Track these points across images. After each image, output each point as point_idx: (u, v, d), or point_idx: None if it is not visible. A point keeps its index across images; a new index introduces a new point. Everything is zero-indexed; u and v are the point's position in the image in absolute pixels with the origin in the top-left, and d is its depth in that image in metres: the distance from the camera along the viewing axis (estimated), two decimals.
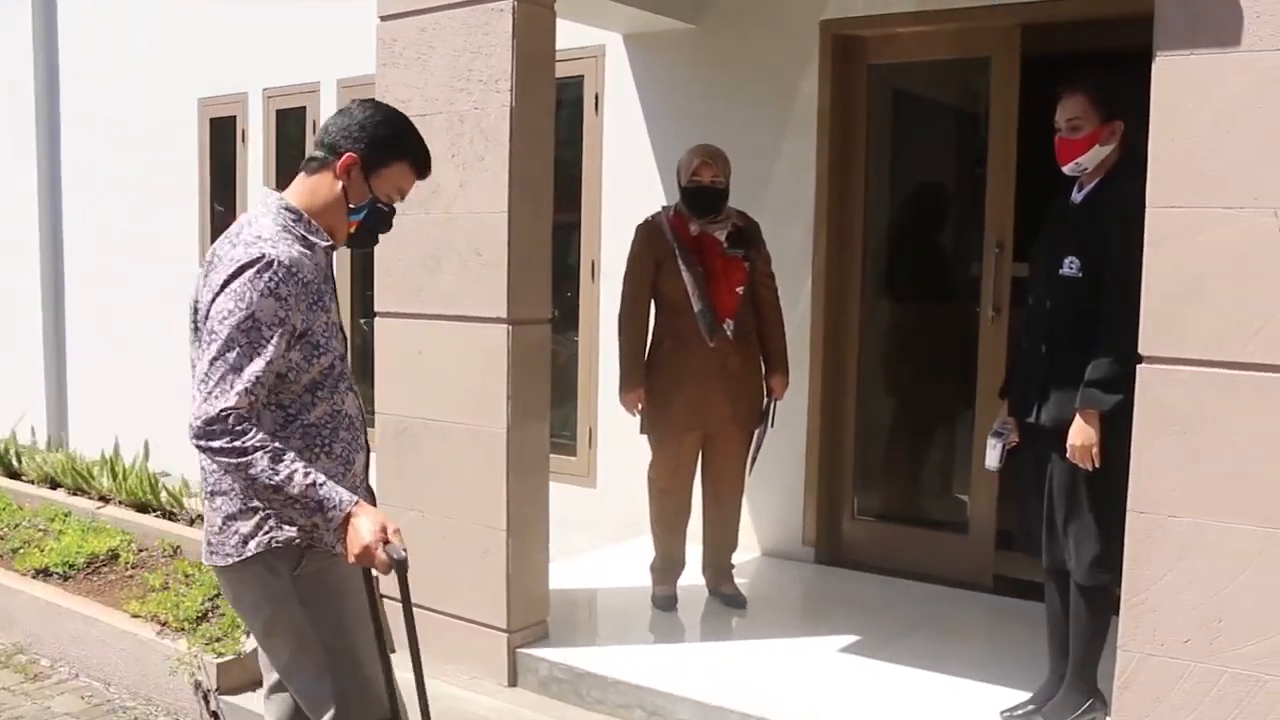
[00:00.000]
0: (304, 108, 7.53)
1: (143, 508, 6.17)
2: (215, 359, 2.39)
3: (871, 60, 5.50)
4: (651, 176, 5.86)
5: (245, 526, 2.55)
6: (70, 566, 5.45)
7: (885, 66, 5.54)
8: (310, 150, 2.74)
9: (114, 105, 8.78)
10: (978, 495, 5.34)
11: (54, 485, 6.73)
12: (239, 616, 2.75)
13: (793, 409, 5.35)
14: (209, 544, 2.62)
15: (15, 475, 7.09)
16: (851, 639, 4.56)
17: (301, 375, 2.52)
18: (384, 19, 4.53)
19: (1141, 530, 3.01)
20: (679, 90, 5.85)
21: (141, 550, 5.63)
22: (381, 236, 2.80)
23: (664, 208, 4.88)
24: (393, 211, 2.76)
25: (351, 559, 2.44)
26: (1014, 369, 4.01)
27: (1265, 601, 2.85)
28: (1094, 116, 3.53)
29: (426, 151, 2.76)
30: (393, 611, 2.71)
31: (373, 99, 2.82)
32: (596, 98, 6.11)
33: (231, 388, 2.37)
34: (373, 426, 4.06)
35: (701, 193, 4.69)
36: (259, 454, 2.37)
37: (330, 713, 2.62)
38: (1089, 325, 3.47)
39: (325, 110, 7.35)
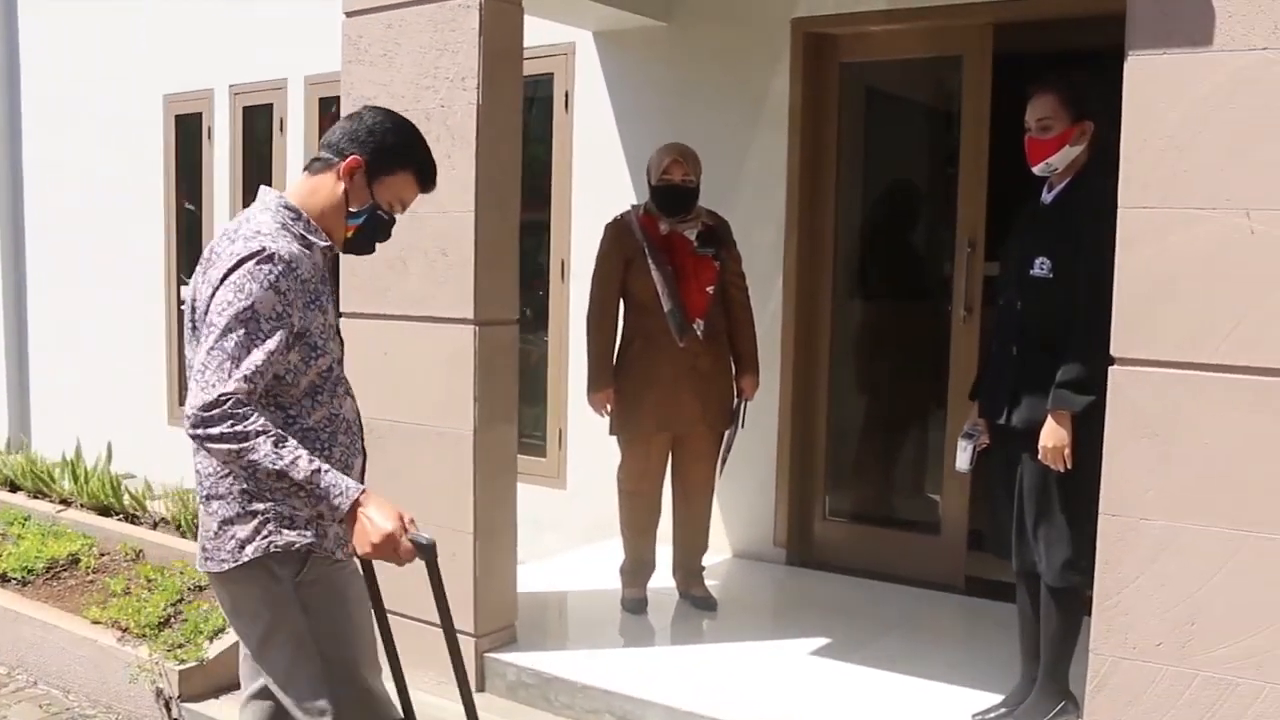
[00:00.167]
0: (271, 105, 7.45)
1: (105, 511, 6.09)
2: (212, 348, 2.32)
3: (843, 58, 5.47)
4: (622, 175, 5.82)
5: (243, 531, 2.49)
6: (29, 571, 5.36)
7: (857, 65, 5.51)
8: (315, 151, 2.70)
9: (77, 101, 8.67)
10: (949, 496, 5.32)
11: (13, 488, 6.63)
12: (235, 625, 2.65)
13: (763, 409, 5.32)
14: (204, 549, 2.55)
15: None
16: (823, 641, 4.53)
17: (300, 378, 2.46)
18: (349, 15, 4.47)
19: (1114, 533, 2.99)
20: (650, 88, 5.81)
21: (103, 554, 5.54)
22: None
23: (633, 206, 4.84)
24: (393, 221, 2.71)
25: (363, 551, 2.36)
26: (984, 370, 3.99)
27: (1238, 604, 2.83)
28: (1064, 116, 3.51)
29: (433, 165, 2.72)
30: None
31: (385, 108, 2.76)
32: (566, 96, 6.06)
33: (229, 375, 2.30)
34: None
35: (672, 191, 4.65)
36: (261, 438, 2.29)
37: None
38: (1060, 326, 3.45)
39: (293, 107, 7.28)
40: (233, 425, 2.27)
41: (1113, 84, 3.05)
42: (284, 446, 2.30)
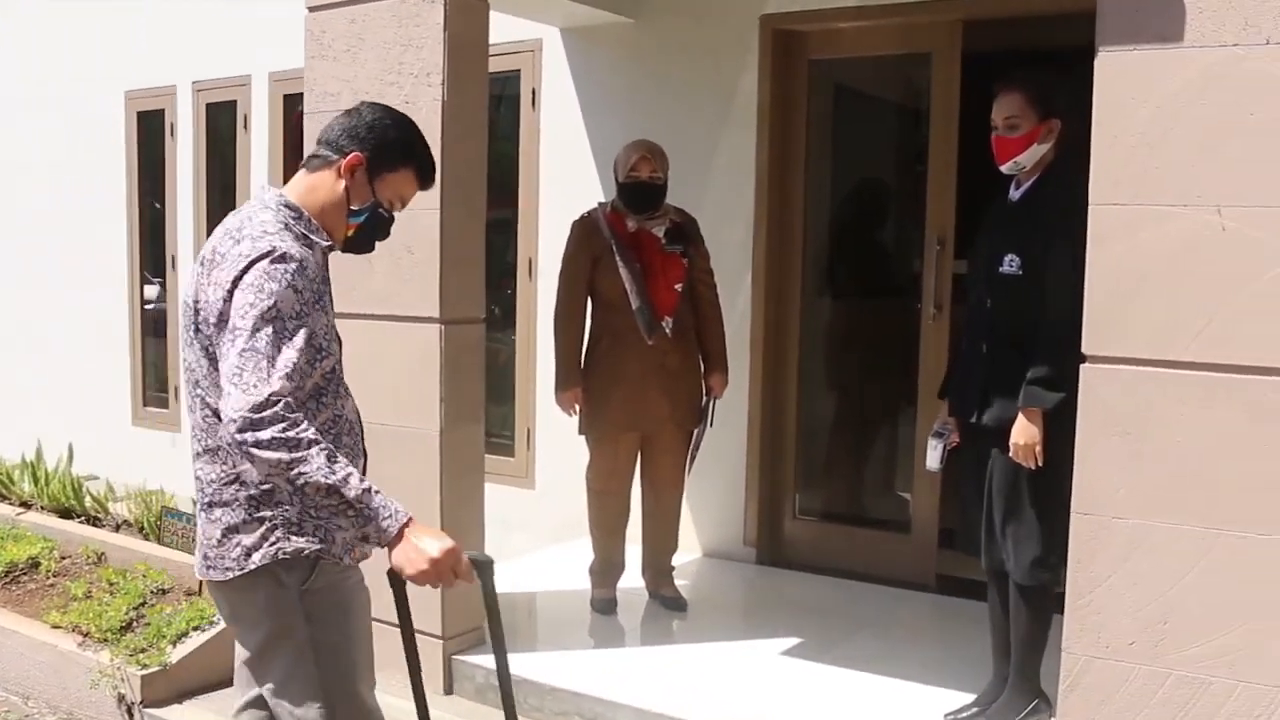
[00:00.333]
0: (234, 101, 7.36)
1: (66, 513, 6.00)
2: (245, 349, 2.23)
3: (812, 55, 5.45)
4: (589, 172, 5.77)
5: (249, 538, 2.42)
6: None
7: (826, 62, 5.49)
8: (313, 148, 2.62)
9: (36, 97, 8.54)
10: (920, 494, 5.31)
11: None
12: (235, 631, 2.58)
13: (733, 408, 5.30)
14: (205, 558, 2.48)
15: None
16: (794, 641, 4.51)
17: (306, 380, 2.38)
18: (312, 10, 4.41)
19: (1086, 532, 2.97)
20: (617, 85, 5.77)
21: (64, 558, 5.45)
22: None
23: (600, 204, 4.81)
24: (392, 218, 2.66)
25: (414, 570, 2.26)
26: (953, 368, 3.98)
27: (1210, 603, 2.82)
28: (1031, 115, 3.50)
29: (433, 161, 2.67)
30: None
31: (383, 104, 2.69)
32: (533, 93, 6.02)
33: (269, 375, 2.21)
34: None
35: (639, 188, 4.62)
36: (315, 449, 2.19)
37: None
38: (1029, 323, 3.44)
39: (256, 104, 7.20)
40: (284, 430, 2.18)
41: (1079, 82, 3.05)
42: (336, 460, 2.22)
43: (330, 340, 2.47)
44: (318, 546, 2.45)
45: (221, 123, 7.51)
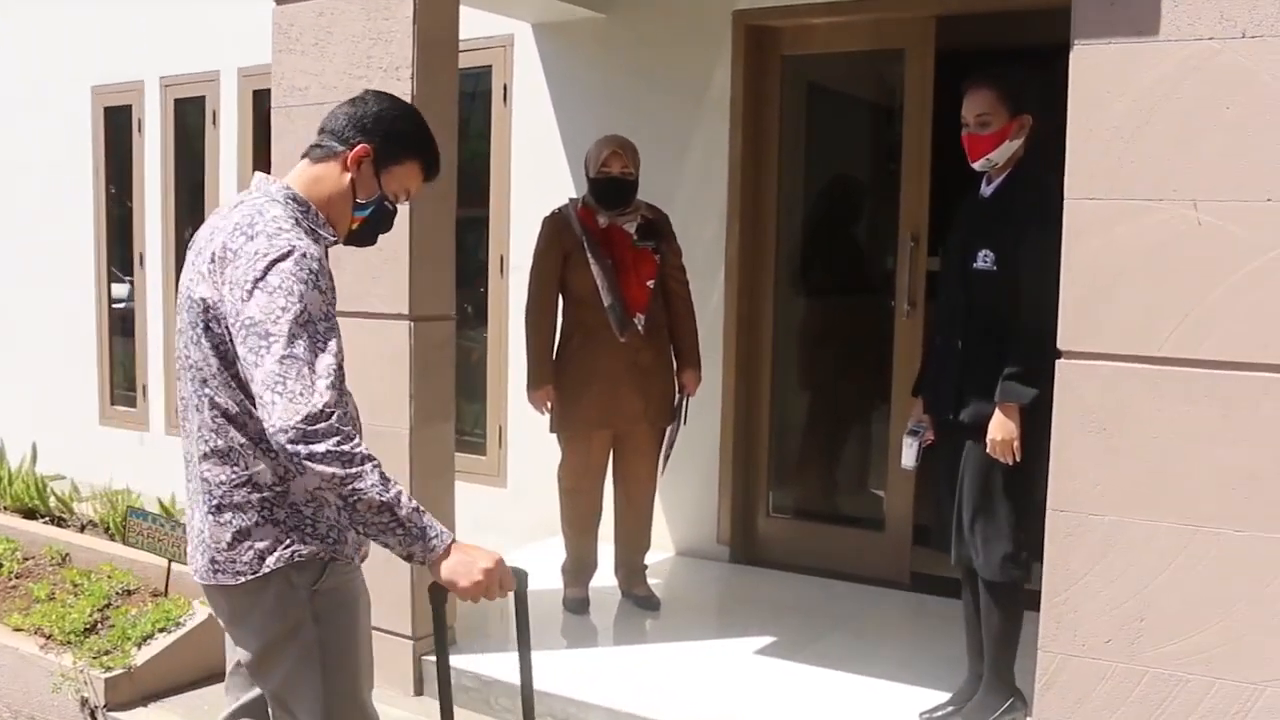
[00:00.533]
0: (203, 97, 7.28)
1: (29, 514, 5.92)
2: (285, 357, 2.16)
3: (785, 51, 5.42)
4: (561, 169, 5.73)
5: (262, 542, 2.35)
6: None
7: (799, 58, 5.47)
8: (315, 137, 2.54)
9: (1, 93, 8.43)
10: (894, 491, 5.29)
11: None
12: (233, 633, 2.51)
13: (706, 406, 5.27)
14: (214, 562, 2.39)
15: None
16: (768, 639, 4.48)
17: (343, 385, 2.32)
18: (280, 2, 4.35)
19: (1062, 529, 2.95)
20: (589, 81, 5.73)
21: (27, 559, 5.38)
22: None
23: (571, 200, 4.77)
24: (396, 211, 2.59)
25: (466, 583, 2.25)
26: (927, 366, 3.96)
27: (1187, 600, 2.81)
28: (1003, 111, 3.50)
29: (438, 153, 2.60)
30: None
31: (387, 92, 2.61)
32: (505, 88, 5.97)
33: (314, 383, 2.16)
34: None
35: (611, 184, 4.59)
36: (369, 465, 2.16)
37: None
38: (1004, 319, 3.43)
39: (225, 99, 7.12)
40: (339, 444, 2.13)
41: (1050, 78, 3.03)
42: (389, 479, 2.19)
43: (338, 338, 2.42)
44: (332, 547, 2.40)
45: (190, 119, 7.42)
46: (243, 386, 2.30)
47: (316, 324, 2.22)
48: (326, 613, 2.42)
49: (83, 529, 5.72)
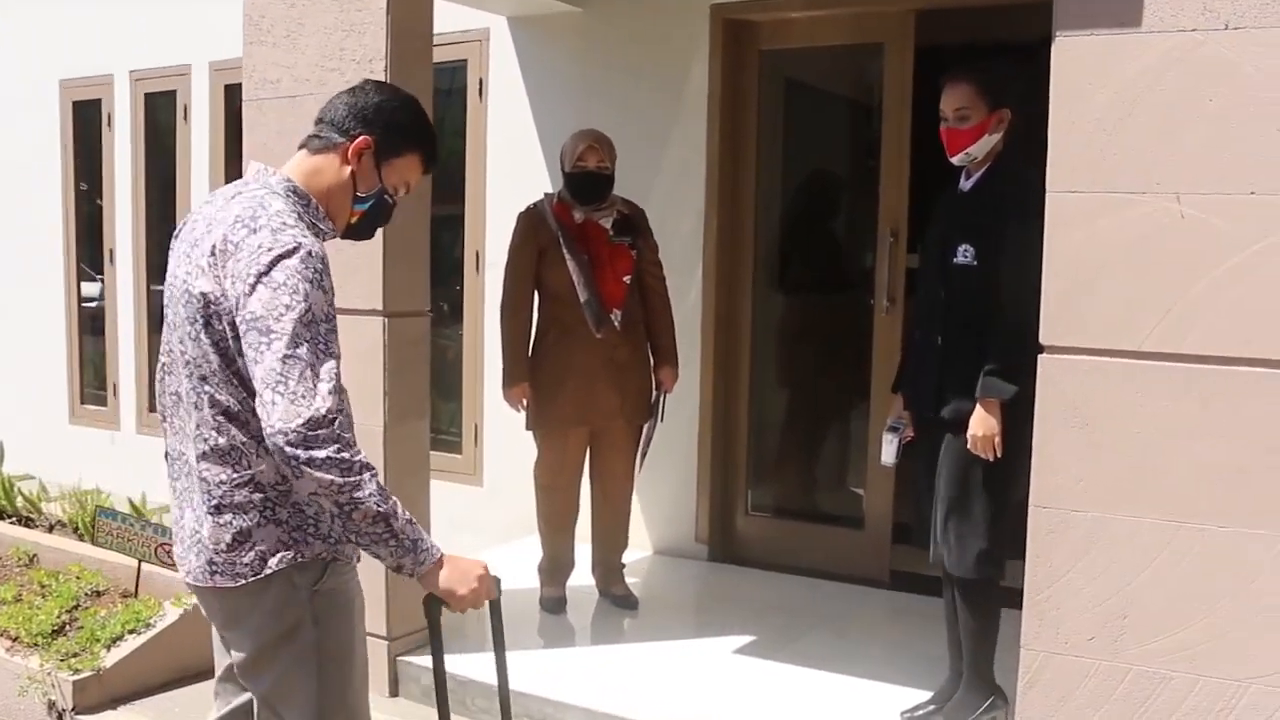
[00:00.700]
0: (174, 91, 7.21)
1: None
2: (288, 356, 2.10)
3: (763, 46, 5.39)
4: (537, 164, 5.68)
5: (265, 543, 2.28)
6: None
7: (777, 52, 5.44)
8: (313, 128, 2.47)
9: None
10: (873, 489, 5.27)
11: None
12: (226, 636, 2.44)
13: (683, 403, 5.23)
14: (211, 564, 2.31)
15: None
16: (747, 639, 4.44)
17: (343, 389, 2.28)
18: None
19: (1044, 525, 2.92)
20: (566, 76, 5.69)
21: None
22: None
23: (546, 195, 4.73)
24: (395, 204, 2.53)
25: (462, 592, 2.28)
26: (906, 362, 3.93)
27: (1170, 597, 2.78)
28: (981, 106, 3.48)
29: (438, 145, 2.55)
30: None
31: (388, 82, 2.55)
32: (480, 83, 5.92)
33: (316, 387, 2.10)
34: None
35: (586, 178, 4.54)
36: (368, 474, 2.12)
37: None
38: (984, 314, 3.41)
39: (197, 94, 7.04)
40: (339, 450, 2.09)
41: (1028, 72, 3.00)
42: (385, 489, 2.16)
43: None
44: (334, 548, 2.34)
45: (161, 113, 7.34)
46: (244, 384, 2.23)
47: (319, 325, 2.17)
48: (325, 614, 2.36)
49: (51, 529, 5.64)
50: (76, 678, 4.18)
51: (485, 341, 5.84)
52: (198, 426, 2.30)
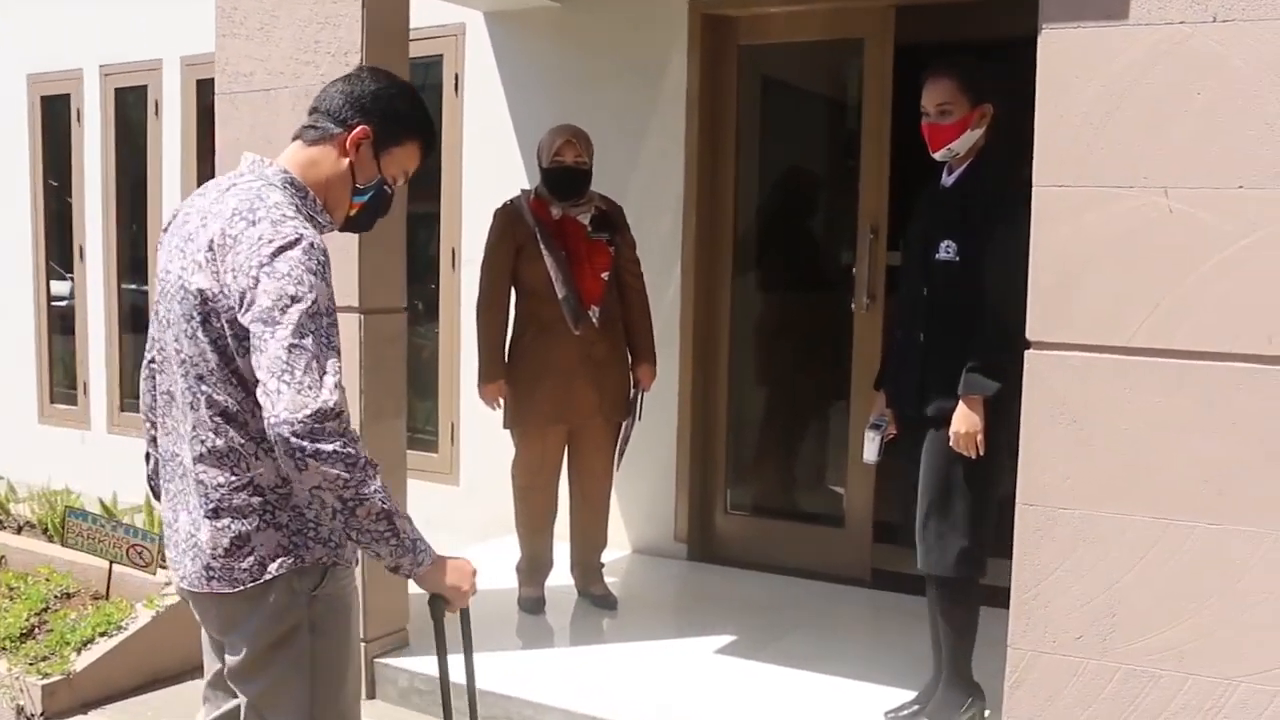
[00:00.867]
0: (145, 86, 7.11)
1: None
2: (294, 345, 2.04)
3: (743, 41, 5.35)
4: (514, 161, 5.63)
5: (265, 547, 2.21)
6: None
7: (757, 48, 5.40)
8: (307, 119, 2.39)
9: None
10: (854, 487, 5.24)
11: None
12: (222, 643, 2.35)
13: (662, 401, 5.18)
14: (208, 569, 2.23)
15: None
16: (728, 639, 4.41)
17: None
18: None
19: (1031, 523, 2.89)
20: (543, 71, 5.64)
21: None
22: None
23: (523, 191, 4.68)
24: (394, 194, 2.47)
25: (464, 590, 2.29)
26: (888, 359, 3.91)
27: (1160, 595, 2.75)
28: (964, 101, 3.46)
29: (436, 132, 2.48)
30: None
31: (383, 69, 2.47)
32: (456, 78, 5.86)
33: (322, 381, 2.04)
34: None
35: (564, 173, 4.50)
36: (373, 470, 2.07)
37: None
38: (967, 310, 3.38)
39: (168, 89, 6.95)
40: (346, 445, 2.03)
41: (1007, 69, 2.97)
42: (388, 488, 2.12)
43: None
44: (334, 552, 2.28)
45: (131, 109, 7.25)
46: (243, 383, 2.17)
47: (323, 318, 2.10)
48: (322, 620, 2.30)
49: (19, 530, 5.55)
50: (46, 682, 4.10)
51: (461, 339, 5.79)
52: (194, 427, 2.23)
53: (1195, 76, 2.69)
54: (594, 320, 4.51)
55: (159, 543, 4.67)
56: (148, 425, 2.45)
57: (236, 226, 2.16)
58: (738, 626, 4.53)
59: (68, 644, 4.31)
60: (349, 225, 2.46)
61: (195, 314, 2.18)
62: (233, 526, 2.21)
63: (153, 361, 2.38)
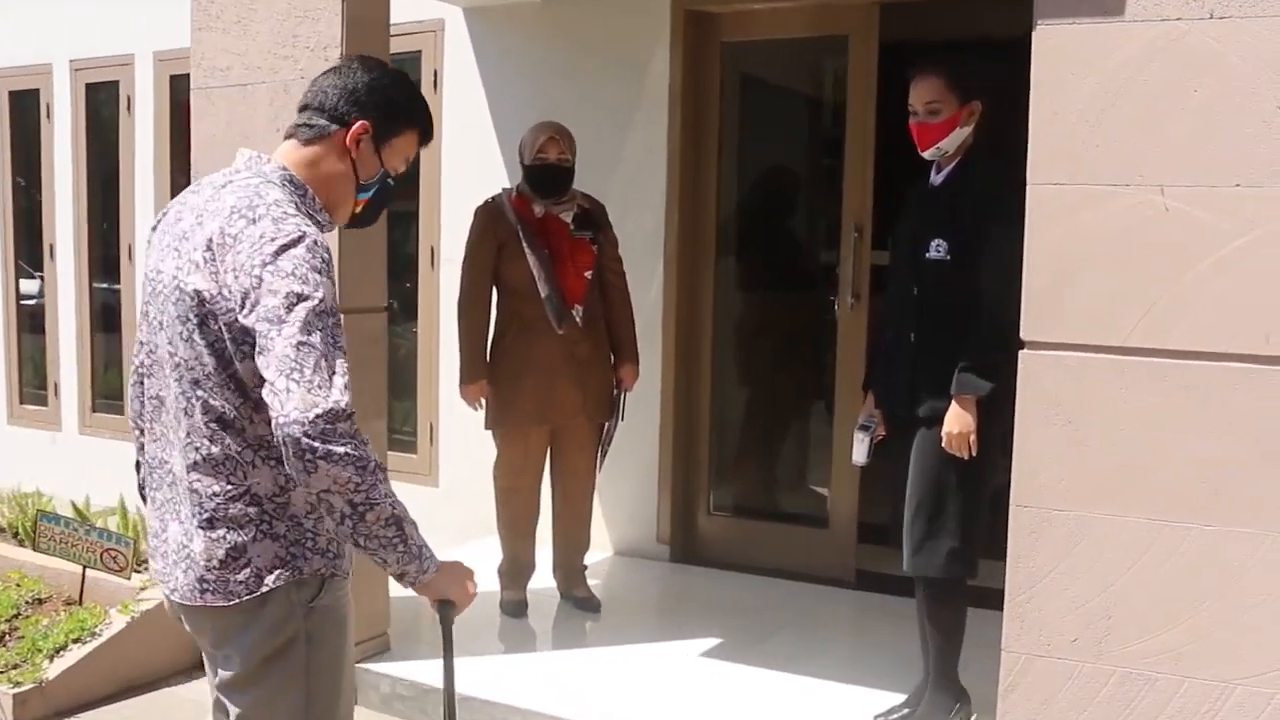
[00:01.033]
0: (117, 82, 7.01)
1: None
2: (302, 343, 1.96)
3: (726, 38, 5.31)
4: (494, 158, 5.58)
5: (262, 558, 2.13)
6: None
7: (740, 45, 5.37)
8: (300, 115, 2.31)
9: None
10: (839, 488, 5.21)
11: None
12: (213, 654, 2.27)
13: (644, 401, 5.14)
14: (202, 581, 2.15)
15: None
16: (712, 641, 4.37)
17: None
18: None
19: (1026, 525, 2.86)
20: (523, 68, 5.58)
21: None
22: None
23: (505, 189, 4.63)
24: (397, 185, 2.39)
25: (471, 594, 2.28)
26: (877, 360, 3.88)
27: (1155, 597, 2.73)
28: (952, 99, 3.43)
29: (432, 117, 2.41)
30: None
31: (374, 58, 2.39)
32: (435, 75, 5.80)
33: (332, 381, 1.97)
34: None
35: (547, 171, 4.45)
36: (382, 474, 2.01)
37: None
38: (958, 309, 3.35)
39: (140, 85, 6.85)
40: (357, 447, 1.97)
41: (995, 67, 2.94)
42: (395, 493, 2.06)
43: None
44: (332, 562, 2.22)
45: (102, 105, 7.14)
46: (242, 388, 2.09)
47: (329, 317, 2.03)
48: (319, 631, 2.23)
49: None
50: (17, 690, 4.02)
51: (441, 339, 5.73)
52: (188, 434, 2.15)
53: (1192, 73, 2.67)
54: (577, 319, 4.47)
55: (133, 547, 4.60)
56: (136, 432, 2.37)
57: (236, 225, 2.08)
58: (722, 629, 4.49)
59: (40, 651, 4.24)
60: (355, 221, 2.40)
61: (191, 316, 2.10)
62: (228, 537, 2.14)
63: (141, 366, 2.31)
